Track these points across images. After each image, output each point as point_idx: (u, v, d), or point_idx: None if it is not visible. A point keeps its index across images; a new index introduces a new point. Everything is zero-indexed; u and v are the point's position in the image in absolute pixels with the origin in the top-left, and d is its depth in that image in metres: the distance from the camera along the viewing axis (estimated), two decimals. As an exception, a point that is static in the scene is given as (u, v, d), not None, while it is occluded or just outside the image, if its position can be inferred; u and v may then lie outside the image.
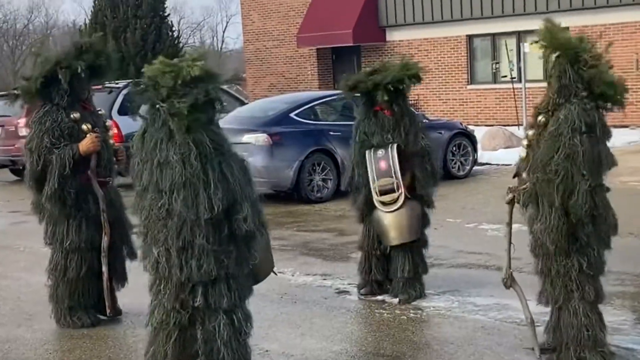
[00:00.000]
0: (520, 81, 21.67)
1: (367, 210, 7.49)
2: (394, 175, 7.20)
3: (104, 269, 6.73)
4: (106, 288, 6.79)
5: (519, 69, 22.21)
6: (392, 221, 7.28)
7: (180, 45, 33.25)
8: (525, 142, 5.56)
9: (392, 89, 7.22)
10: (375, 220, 7.40)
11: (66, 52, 6.74)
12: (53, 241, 6.89)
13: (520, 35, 23.72)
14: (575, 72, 5.30)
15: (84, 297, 6.94)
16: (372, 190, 7.28)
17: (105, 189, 6.80)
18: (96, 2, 31.63)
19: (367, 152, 7.34)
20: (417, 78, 7.41)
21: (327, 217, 12.16)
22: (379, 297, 7.53)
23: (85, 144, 6.58)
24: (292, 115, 13.82)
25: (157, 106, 4.85)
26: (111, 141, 6.98)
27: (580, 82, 5.29)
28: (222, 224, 4.94)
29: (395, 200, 7.22)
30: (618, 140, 18.35)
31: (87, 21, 32.72)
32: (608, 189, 5.48)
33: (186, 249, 4.91)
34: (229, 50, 70.84)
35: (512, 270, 5.71)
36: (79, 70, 6.62)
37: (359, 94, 7.50)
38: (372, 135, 7.39)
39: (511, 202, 5.56)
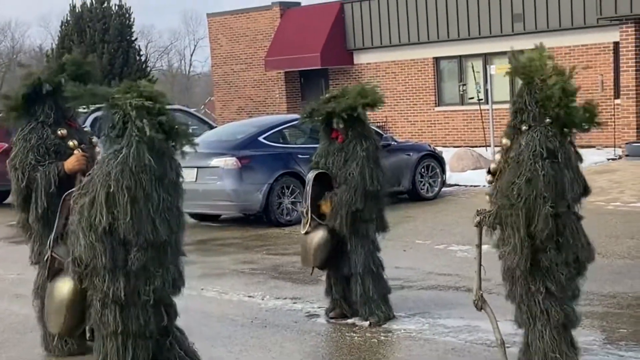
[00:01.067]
0: (487, 103, 21.84)
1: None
2: (305, 201, 7.48)
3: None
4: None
5: (486, 90, 22.40)
6: (301, 243, 7.68)
7: (148, 69, 33.20)
8: (493, 166, 5.58)
9: (345, 116, 7.33)
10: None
11: (49, 67, 6.70)
12: (40, 259, 6.63)
13: (486, 57, 23.95)
14: (531, 96, 5.34)
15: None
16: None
17: None
18: (63, 26, 31.58)
19: (309, 173, 7.63)
20: (372, 105, 7.52)
21: (297, 240, 12.05)
22: (349, 320, 7.52)
23: (71, 162, 6.45)
24: (260, 138, 13.83)
25: (176, 127, 5.03)
26: (98, 157, 6.88)
27: (535, 106, 5.31)
28: None
29: (304, 224, 7.49)
30: (585, 160, 18.58)
31: (54, 46, 32.63)
32: (580, 217, 5.50)
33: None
34: (196, 73, 70.93)
35: (482, 292, 5.73)
36: (63, 82, 6.53)
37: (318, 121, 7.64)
38: (321, 158, 7.59)
39: (479, 225, 5.59)
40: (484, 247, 5.67)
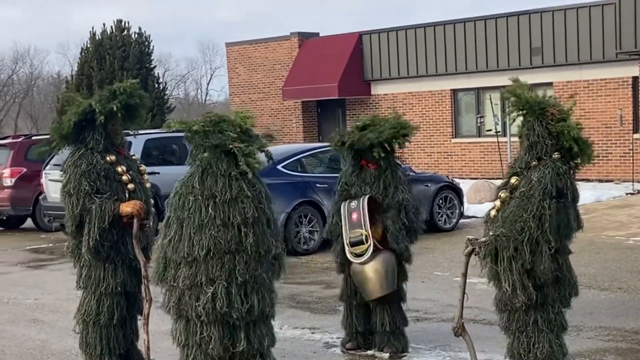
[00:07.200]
0: (504, 135, 21.81)
1: (344, 260, 7.41)
2: (363, 227, 7.16)
3: (145, 337, 6.28)
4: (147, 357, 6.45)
5: (504, 123, 22.37)
6: (366, 275, 7.19)
7: (166, 97, 33.35)
8: (498, 203, 5.55)
9: (387, 146, 7.34)
10: (352, 274, 7.34)
11: (100, 95, 6.70)
12: (88, 284, 6.57)
13: (504, 90, 23.90)
14: (543, 128, 5.34)
15: (115, 344, 6.58)
16: (344, 242, 7.26)
17: (143, 232, 6.60)
18: (83, 53, 31.79)
19: (342, 204, 7.35)
20: (407, 136, 7.64)
21: (315, 269, 12.09)
22: (369, 352, 7.44)
23: (129, 205, 6.40)
24: (279, 167, 13.80)
25: (231, 147, 5.17)
26: (147, 184, 6.86)
27: (549, 138, 5.32)
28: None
29: (364, 252, 7.15)
30: (604, 194, 18.51)
31: (74, 72, 32.83)
32: (570, 252, 5.54)
33: (252, 283, 5.07)
34: (213, 102, 71.17)
35: (463, 320, 5.71)
36: (115, 109, 6.51)
37: (348, 149, 7.51)
38: (352, 186, 7.44)
39: (469, 255, 5.59)
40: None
